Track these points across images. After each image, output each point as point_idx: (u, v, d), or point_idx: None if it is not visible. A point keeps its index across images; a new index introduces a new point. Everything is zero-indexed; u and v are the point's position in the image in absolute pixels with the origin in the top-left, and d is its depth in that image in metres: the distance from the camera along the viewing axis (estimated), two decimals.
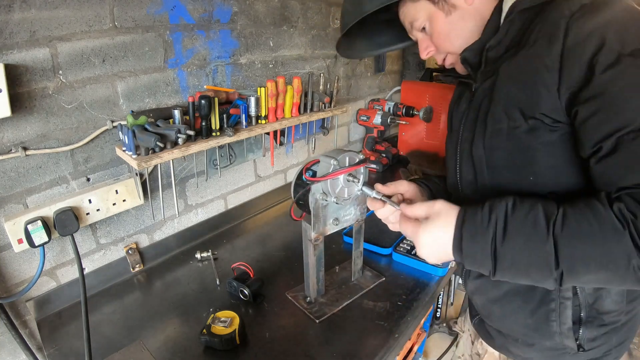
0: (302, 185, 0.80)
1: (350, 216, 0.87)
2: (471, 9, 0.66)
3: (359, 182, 0.79)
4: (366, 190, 0.75)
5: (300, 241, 0.85)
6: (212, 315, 0.81)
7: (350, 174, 0.77)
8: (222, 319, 0.80)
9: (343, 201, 0.80)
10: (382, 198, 0.70)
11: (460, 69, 0.75)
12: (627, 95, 0.50)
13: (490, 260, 0.54)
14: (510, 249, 0.53)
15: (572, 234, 0.50)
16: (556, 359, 0.74)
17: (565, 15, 0.54)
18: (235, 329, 0.77)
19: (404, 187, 0.76)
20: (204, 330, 0.78)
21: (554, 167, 0.61)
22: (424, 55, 0.76)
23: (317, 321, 0.84)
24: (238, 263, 0.99)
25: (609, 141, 0.50)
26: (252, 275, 0.94)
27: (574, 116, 0.55)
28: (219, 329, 0.78)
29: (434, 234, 0.59)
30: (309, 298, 0.90)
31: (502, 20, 0.64)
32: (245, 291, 0.89)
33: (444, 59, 0.75)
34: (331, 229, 0.84)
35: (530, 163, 0.62)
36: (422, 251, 0.61)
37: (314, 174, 0.78)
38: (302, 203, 0.80)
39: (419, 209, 0.63)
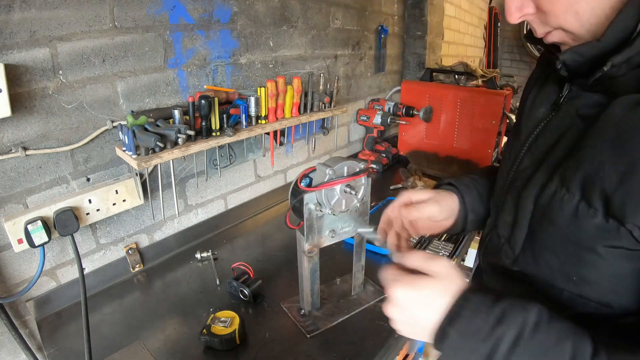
0: (296, 193, 0.74)
1: (349, 228, 0.79)
2: None
3: (357, 194, 0.73)
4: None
5: None
6: (212, 315, 0.81)
7: (348, 185, 0.71)
8: (222, 319, 0.80)
9: (340, 213, 0.75)
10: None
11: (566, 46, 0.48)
12: None
13: None
14: None
15: None
16: None
17: None
18: (235, 329, 0.77)
19: (429, 210, 0.62)
20: (204, 330, 0.78)
21: (609, 278, 0.45)
22: (515, 17, 0.46)
23: (308, 336, 0.81)
24: (238, 263, 0.99)
25: None
26: (252, 275, 0.94)
27: None
28: (219, 329, 0.78)
29: (425, 295, 0.45)
30: (303, 310, 0.86)
31: None
32: (245, 291, 0.89)
33: (548, 33, 0.47)
34: (327, 241, 0.78)
35: (581, 264, 0.46)
36: (394, 312, 0.47)
37: (311, 182, 0.74)
38: (298, 211, 0.75)
39: (417, 259, 0.49)
